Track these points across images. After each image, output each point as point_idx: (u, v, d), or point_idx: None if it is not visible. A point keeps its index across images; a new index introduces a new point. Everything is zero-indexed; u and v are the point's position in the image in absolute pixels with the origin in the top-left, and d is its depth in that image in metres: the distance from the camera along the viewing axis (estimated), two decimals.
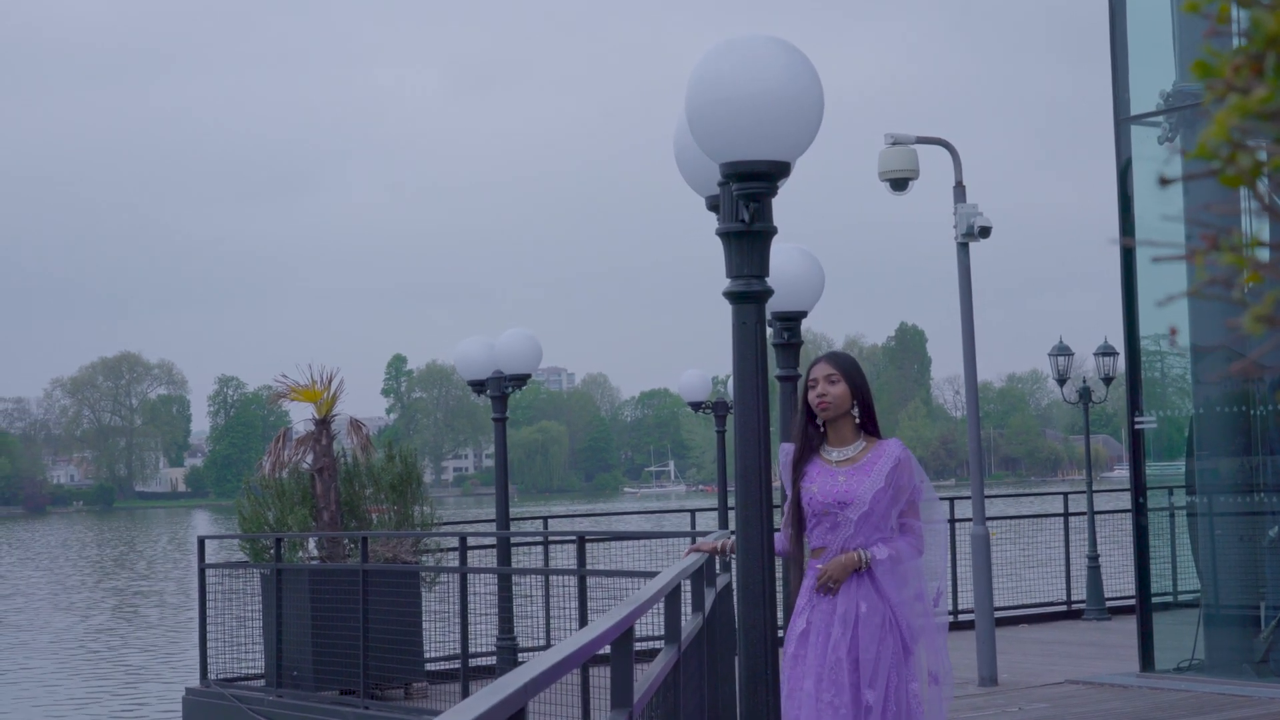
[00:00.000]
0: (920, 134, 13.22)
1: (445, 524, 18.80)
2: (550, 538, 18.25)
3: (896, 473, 6.04)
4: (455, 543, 14.61)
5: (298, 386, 16.14)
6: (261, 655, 15.06)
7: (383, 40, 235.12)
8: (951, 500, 18.36)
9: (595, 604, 12.24)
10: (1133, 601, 13.43)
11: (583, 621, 11.86)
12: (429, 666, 14.37)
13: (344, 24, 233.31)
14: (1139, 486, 12.94)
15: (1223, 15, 1.12)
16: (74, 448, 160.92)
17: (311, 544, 15.63)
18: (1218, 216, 1.20)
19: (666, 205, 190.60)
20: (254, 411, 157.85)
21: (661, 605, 5.27)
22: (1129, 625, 13.62)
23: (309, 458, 15.73)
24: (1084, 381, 21.86)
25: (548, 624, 14.44)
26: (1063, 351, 21.19)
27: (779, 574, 7.46)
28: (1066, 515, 19.20)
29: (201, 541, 16.30)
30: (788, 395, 7.67)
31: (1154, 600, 12.90)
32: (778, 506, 5.79)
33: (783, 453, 6.09)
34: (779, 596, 5.87)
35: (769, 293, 4.57)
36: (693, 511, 22.66)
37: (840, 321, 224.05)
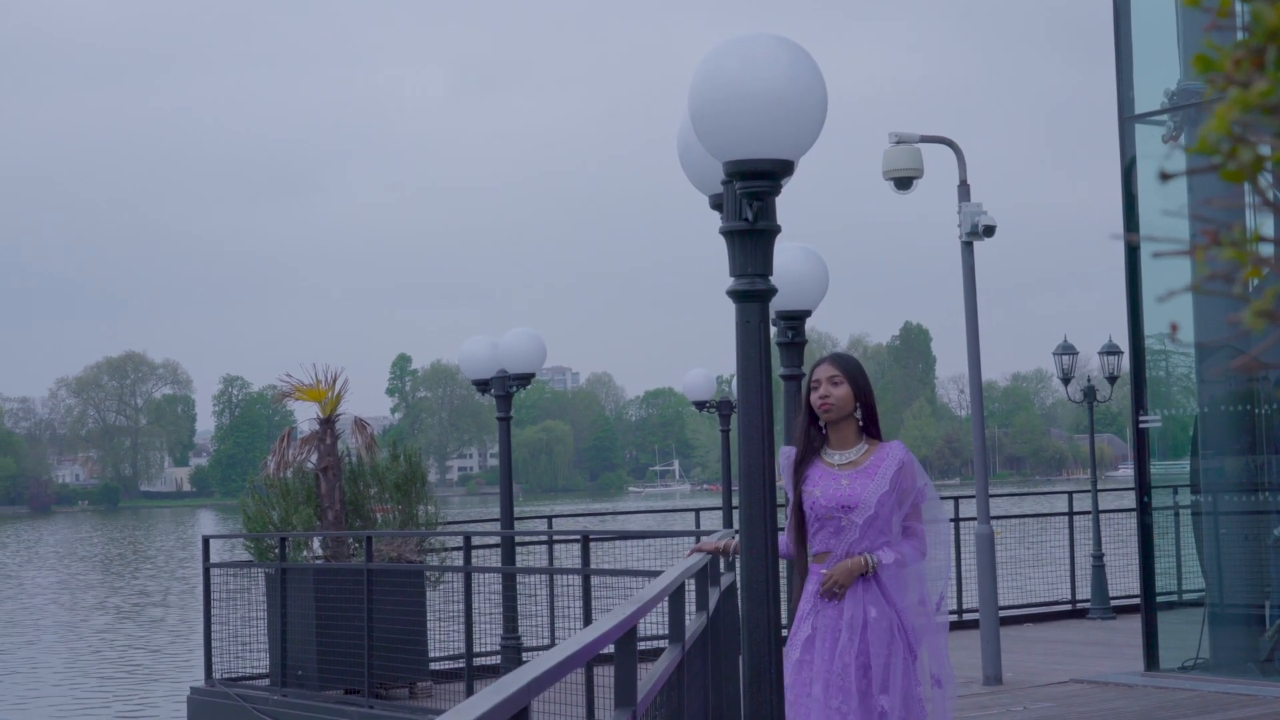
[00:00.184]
0: (924, 133, 13.21)
1: (450, 523, 18.82)
2: (555, 537, 18.25)
3: (900, 476, 5.97)
4: (460, 542, 14.62)
5: (302, 386, 16.16)
6: (266, 654, 15.06)
7: (385, 40, 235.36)
8: (956, 499, 18.35)
9: (600, 603, 12.24)
10: (1137, 601, 13.42)
11: (587, 621, 11.87)
12: (433, 666, 14.37)
13: (346, 24, 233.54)
14: (1143, 485, 12.93)
15: (1224, 10, 1.12)
16: (79, 447, 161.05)
17: (316, 543, 15.64)
18: (1221, 211, 1.20)
19: (671, 204, 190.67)
20: (259, 411, 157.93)
21: (665, 604, 5.27)
22: (1134, 624, 13.61)
23: (313, 457, 15.74)
24: (1089, 380, 21.85)
25: (552, 623, 14.44)
26: (1067, 350, 21.17)
27: (784, 573, 7.45)
28: (1071, 514, 19.18)
29: (206, 541, 16.31)
30: (792, 394, 7.66)
31: (1159, 599, 12.89)
32: (781, 505, 5.78)
33: (783, 456, 6.00)
34: (783, 595, 5.81)
35: (772, 291, 4.57)
36: (697, 511, 22.66)
37: (845, 321, 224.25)
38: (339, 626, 14.04)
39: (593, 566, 12.76)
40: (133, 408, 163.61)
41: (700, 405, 21.64)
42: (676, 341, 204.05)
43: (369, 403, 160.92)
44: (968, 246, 13.04)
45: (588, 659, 3.43)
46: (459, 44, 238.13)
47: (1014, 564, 19.07)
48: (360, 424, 16.52)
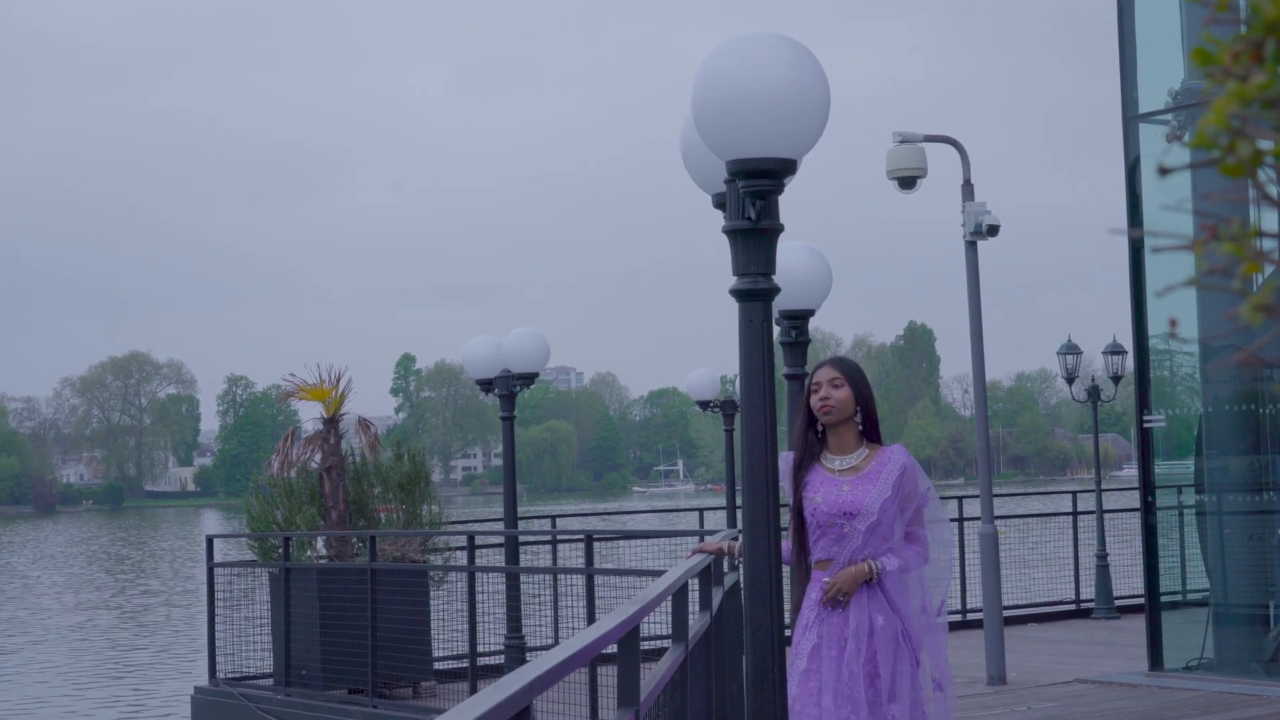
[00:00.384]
0: (927, 133, 13.21)
1: (453, 523, 18.82)
2: (558, 537, 18.25)
3: (902, 481, 5.88)
4: (463, 542, 14.62)
5: (306, 386, 16.16)
6: (270, 654, 15.07)
7: (387, 40, 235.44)
8: (960, 499, 18.34)
9: (603, 603, 12.24)
10: (1141, 600, 13.41)
11: (591, 620, 11.86)
12: (437, 665, 14.38)
13: (348, 24, 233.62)
14: (1148, 485, 12.92)
15: (1223, 3, 1.11)
16: (83, 447, 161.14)
17: (320, 543, 15.65)
18: (1222, 206, 1.20)
19: (674, 203, 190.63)
20: (263, 411, 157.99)
21: (669, 604, 5.27)
22: (1138, 624, 13.60)
23: (317, 457, 15.74)
24: (1093, 380, 21.84)
25: (556, 623, 14.44)
26: (1071, 350, 21.16)
27: (787, 573, 7.42)
28: (1075, 514, 19.18)
29: (210, 540, 16.31)
30: (795, 394, 7.65)
31: (1163, 599, 12.88)
32: (784, 505, 5.75)
33: (782, 460, 5.83)
34: (786, 595, 5.76)
35: (775, 290, 4.56)
36: (701, 510, 22.66)
37: (849, 320, 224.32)
38: (343, 626, 14.05)
39: (596, 566, 12.75)
40: (137, 407, 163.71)
41: (704, 405, 21.62)
42: (680, 341, 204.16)
43: (373, 402, 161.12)
44: (971, 246, 13.03)
45: (590, 658, 3.42)
46: (460, 44, 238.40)
47: (1018, 564, 19.06)
48: (364, 423, 16.52)
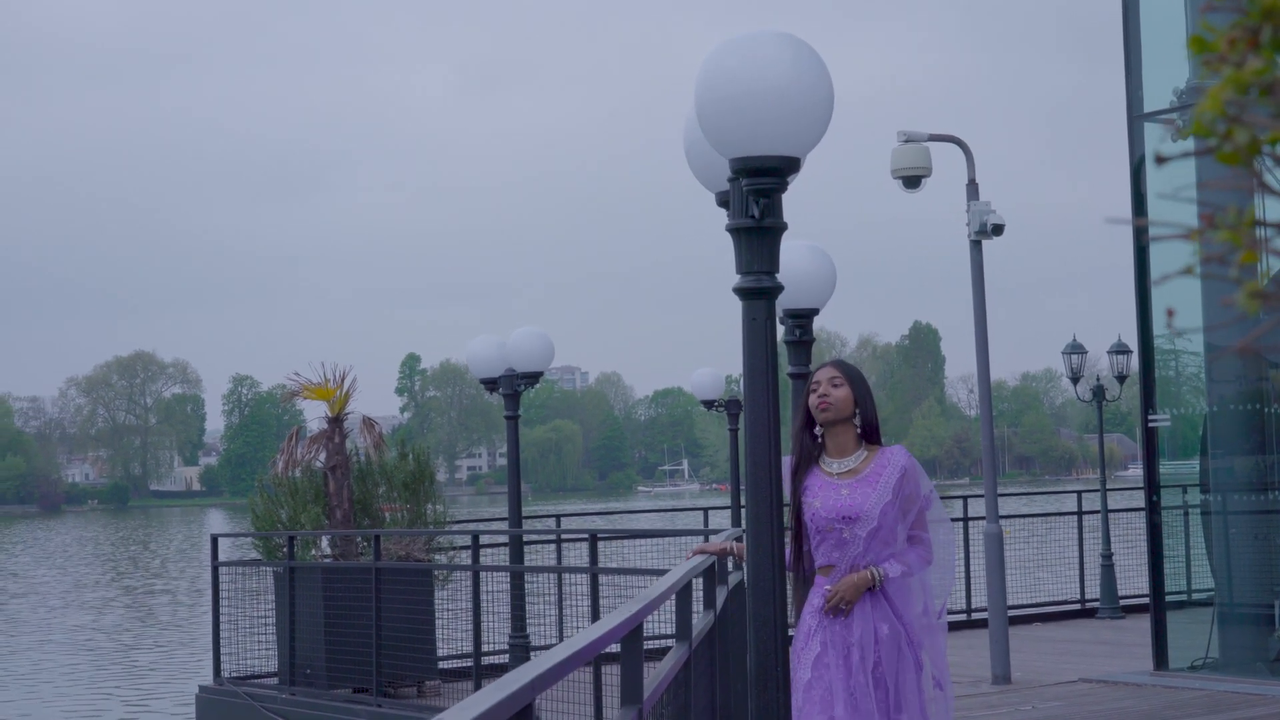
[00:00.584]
0: (931, 132, 13.21)
1: (458, 522, 18.82)
2: (563, 536, 18.25)
3: (903, 483, 5.77)
4: (468, 541, 14.62)
5: (311, 385, 16.17)
6: (274, 653, 15.07)
7: (388, 40, 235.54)
8: (965, 499, 18.33)
9: (607, 602, 12.24)
10: (1146, 600, 13.40)
11: (595, 620, 11.86)
12: (442, 665, 14.38)
13: (350, 24, 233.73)
14: (1153, 485, 12.90)
15: None
16: (89, 446, 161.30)
17: (324, 542, 15.65)
18: (1223, 194, 1.19)
19: (678, 202, 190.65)
20: (268, 410, 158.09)
21: (673, 603, 5.27)
22: (1143, 624, 13.59)
23: (322, 456, 15.75)
24: (1098, 380, 21.83)
25: (560, 622, 14.44)
26: (1076, 350, 21.15)
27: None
28: (1080, 514, 19.16)
29: (215, 540, 16.32)
30: (799, 393, 7.64)
31: (1168, 599, 12.86)
32: (788, 505, 5.72)
33: (784, 466, 5.76)
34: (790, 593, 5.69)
35: (779, 288, 4.55)
36: (705, 510, 22.66)
37: (854, 320, 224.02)
38: (347, 625, 14.05)
39: (600, 566, 12.75)
40: (142, 407, 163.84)
41: (708, 404, 21.61)
42: (685, 341, 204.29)
43: (378, 402, 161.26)
44: (976, 245, 13.03)
45: (592, 656, 3.42)
46: (461, 44, 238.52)
47: (1023, 563, 19.04)
48: (368, 423, 16.53)
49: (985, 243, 13.02)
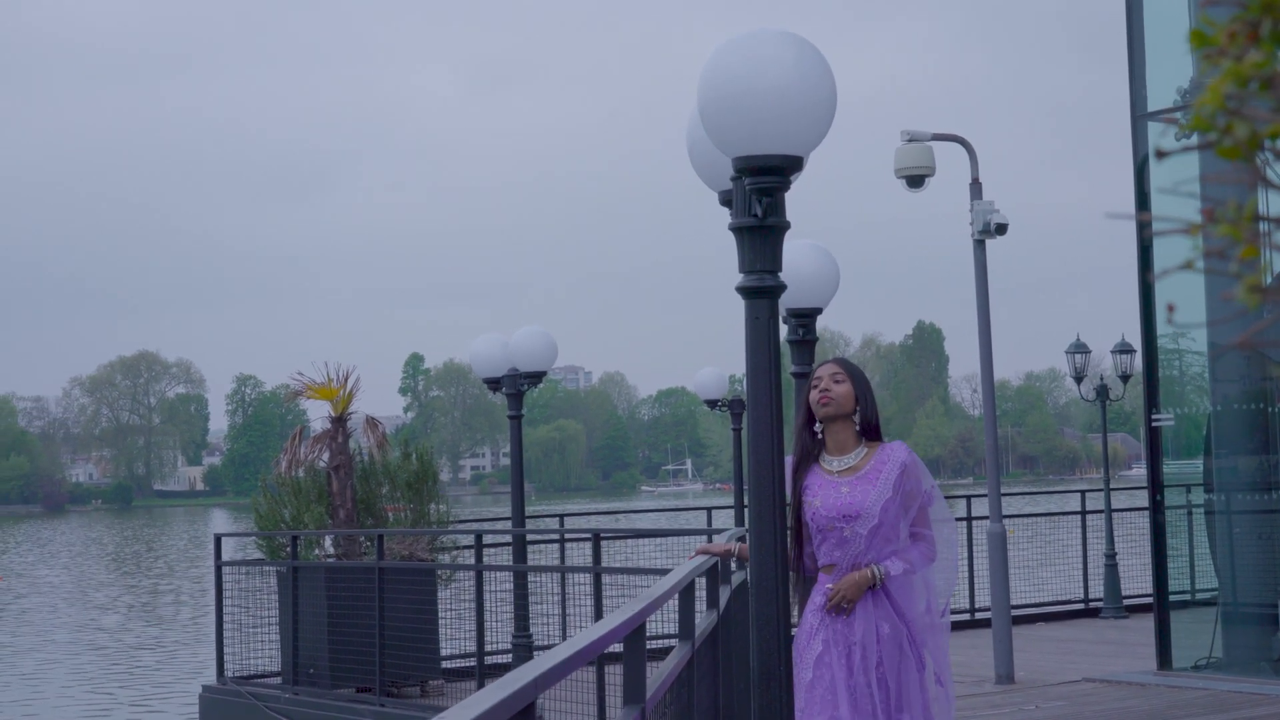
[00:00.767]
0: (934, 131, 13.20)
1: (461, 521, 18.82)
2: (566, 536, 18.24)
3: (903, 479, 5.72)
4: (471, 540, 14.62)
5: (314, 384, 16.17)
6: (278, 653, 15.08)
7: (395, 40, 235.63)
8: (968, 498, 18.32)
9: (611, 602, 12.23)
10: (1150, 600, 13.39)
11: (598, 619, 11.85)
12: (445, 664, 14.38)
13: (356, 24, 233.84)
14: (1156, 484, 12.90)
15: None
16: (93, 446, 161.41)
17: (328, 542, 15.65)
18: (1229, 189, 1.19)
19: (681, 202, 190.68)
20: (272, 410, 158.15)
21: (676, 603, 5.26)
22: (1146, 623, 13.58)
23: (325, 456, 15.75)
24: (1101, 379, 21.80)
25: (564, 622, 14.44)
26: (1080, 349, 21.13)
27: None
28: (1084, 513, 19.16)
29: (218, 539, 16.32)
30: (802, 392, 7.62)
31: (1171, 598, 12.85)
32: (788, 504, 5.70)
33: (785, 464, 5.81)
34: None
35: (782, 287, 4.55)
36: (709, 509, 22.64)
37: (857, 320, 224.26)
38: (351, 625, 14.05)
39: (603, 565, 12.75)
40: (146, 407, 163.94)
41: (712, 404, 21.61)
42: (689, 340, 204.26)
43: (382, 402, 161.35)
44: (980, 245, 13.02)
45: (595, 655, 3.42)
46: (465, 44, 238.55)
47: (1027, 563, 19.04)
48: (372, 422, 16.53)
49: (989, 242, 13.02)
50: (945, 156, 13.25)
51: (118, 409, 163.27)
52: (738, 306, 4.61)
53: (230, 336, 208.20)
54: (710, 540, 9.27)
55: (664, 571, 7.56)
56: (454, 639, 14.47)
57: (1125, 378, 21.40)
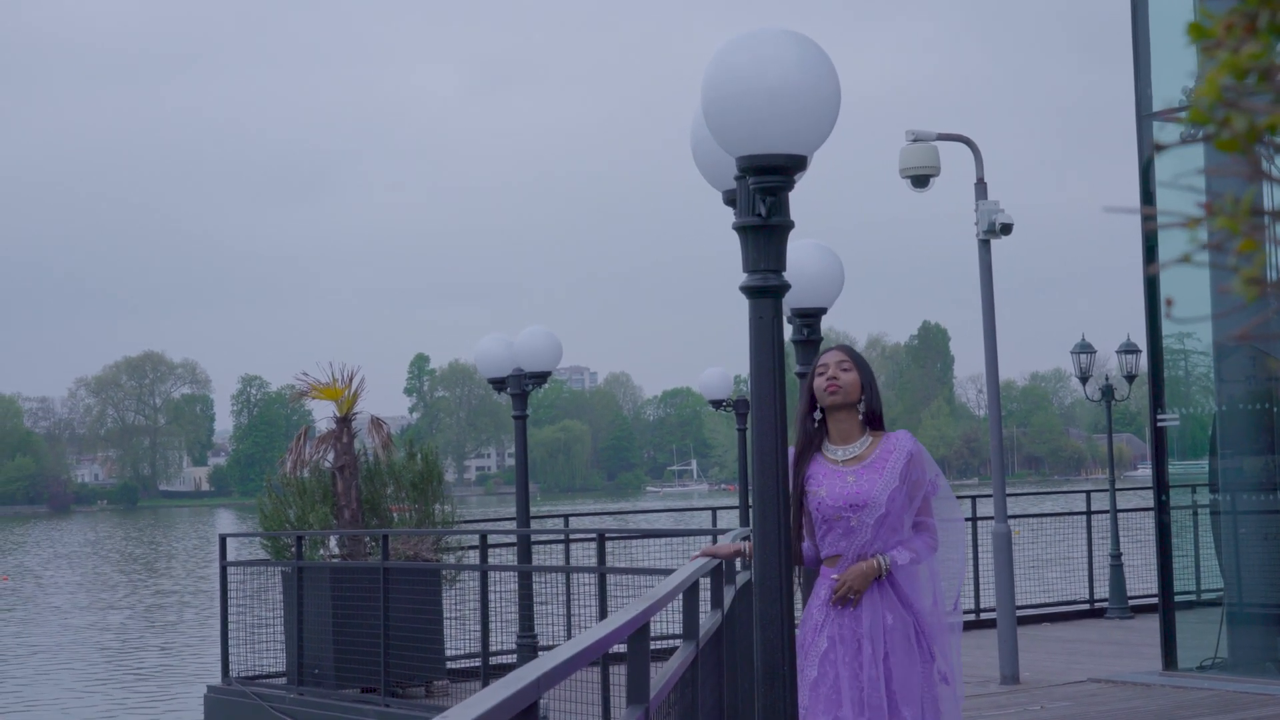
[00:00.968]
0: (939, 131, 13.20)
1: (466, 522, 18.82)
2: (571, 536, 18.25)
3: (910, 468, 5.64)
4: (476, 541, 14.62)
5: (319, 385, 16.18)
6: (283, 653, 15.08)
7: (397, 40, 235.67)
8: (974, 499, 18.30)
9: (615, 602, 12.23)
10: (1155, 600, 13.37)
11: (602, 620, 11.85)
12: (450, 664, 14.39)
13: (358, 24, 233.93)
14: (1161, 484, 12.88)
15: None
16: (98, 447, 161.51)
17: (333, 542, 15.66)
18: (1232, 182, 1.19)
19: (686, 201, 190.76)
20: (277, 410, 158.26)
21: (680, 602, 5.26)
22: (1152, 624, 13.57)
23: (330, 456, 15.76)
24: (1107, 379, 21.78)
25: (569, 622, 14.44)
26: (1085, 349, 21.11)
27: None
28: (1089, 514, 19.14)
29: (223, 539, 16.34)
30: (806, 379, 7.60)
31: (1177, 599, 12.84)
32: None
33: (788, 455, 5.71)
34: (797, 592, 5.60)
35: (786, 287, 4.54)
36: (714, 509, 22.63)
37: (863, 320, 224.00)
38: (355, 625, 14.06)
39: (608, 565, 12.75)
40: (151, 407, 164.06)
41: (717, 404, 21.58)
42: (694, 340, 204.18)
43: (387, 402, 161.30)
44: (985, 245, 13.01)
45: (598, 655, 3.42)
46: (468, 43, 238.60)
47: (1032, 563, 19.03)
48: (377, 422, 16.54)
49: (994, 242, 13.01)
50: (950, 156, 13.26)
51: (123, 409, 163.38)
52: (744, 306, 4.60)
53: (233, 337, 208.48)
54: (715, 541, 9.25)
55: (668, 572, 7.55)
56: (459, 639, 14.47)
57: (1130, 378, 21.37)
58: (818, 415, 5.79)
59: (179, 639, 29.46)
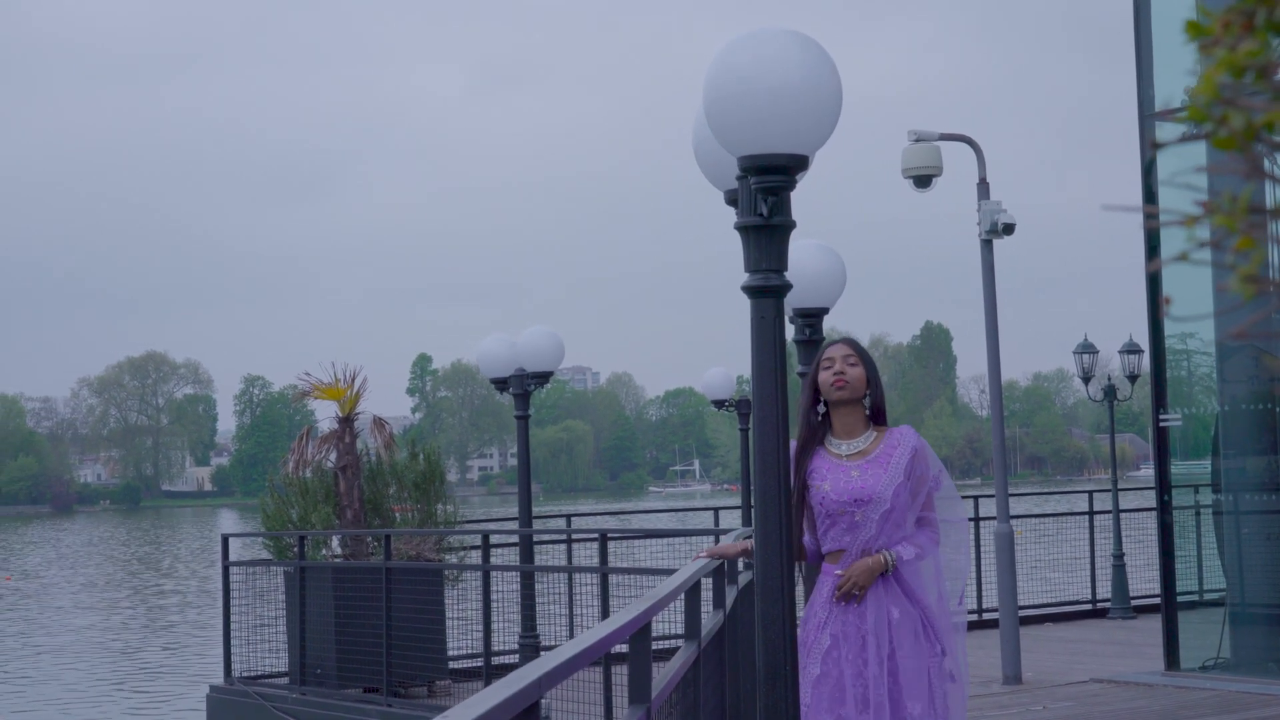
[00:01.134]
0: (941, 131, 13.20)
1: (468, 522, 18.83)
2: (573, 536, 18.25)
3: (914, 463, 5.60)
4: (478, 541, 14.63)
5: (321, 385, 16.18)
6: (285, 653, 15.09)
7: (400, 40, 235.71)
8: (976, 499, 18.30)
9: (617, 602, 12.23)
10: (1158, 600, 13.37)
11: (605, 619, 11.85)
12: (452, 664, 14.39)
13: (361, 24, 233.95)
14: (1164, 484, 12.88)
15: None
16: (101, 447, 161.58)
17: (335, 542, 15.67)
18: (1232, 179, 1.19)
19: (689, 202, 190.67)
20: (280, 410, 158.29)
21: (682, 603, 5.26)
22: (1154, 624, 13.56)
23: (332, 456, 15.76)
24: (1109, 380, 21.78)
25: (571, 622, 14.44)
26: (1087, 349, 21.11)
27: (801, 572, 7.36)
28: (1092, 514, 19.14)
29: (225, 539, 16.34)
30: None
31: (1179, 599, 12.84)
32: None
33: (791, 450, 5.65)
34: (798, 591, 5.57)
35: (787, 287, 4.54)
36: (716, 509, 22.64)
37: (865, 320, 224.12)
38: (358, 625, 14.06)
39: (610, 565, 12.75)
40: (154, 407, 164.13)
41: (719, 404, 21.59)
42: (697, 340, 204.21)
43: (390, 402, 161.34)
44: (987, 245, 13.01)
45: (600, 655, 3.42)
46: (469, 44, 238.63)
47: (1034, 563, 19.02)
48: (379, 423, 16.54)
49: (996, 242, 13.01)
50: (953, 156, 13.26)
51: (126, 409, 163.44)
52: (745, 306, 4.60)
53: (235, 337, 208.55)
54: (717, 541, 9.24)
55: (670, 572, 7.56)
56: (461, 639, 14.48)
57: (1133, 378, 21.38)
58: (821, 409, 5.74)
59: (181, 639, 29.46)
